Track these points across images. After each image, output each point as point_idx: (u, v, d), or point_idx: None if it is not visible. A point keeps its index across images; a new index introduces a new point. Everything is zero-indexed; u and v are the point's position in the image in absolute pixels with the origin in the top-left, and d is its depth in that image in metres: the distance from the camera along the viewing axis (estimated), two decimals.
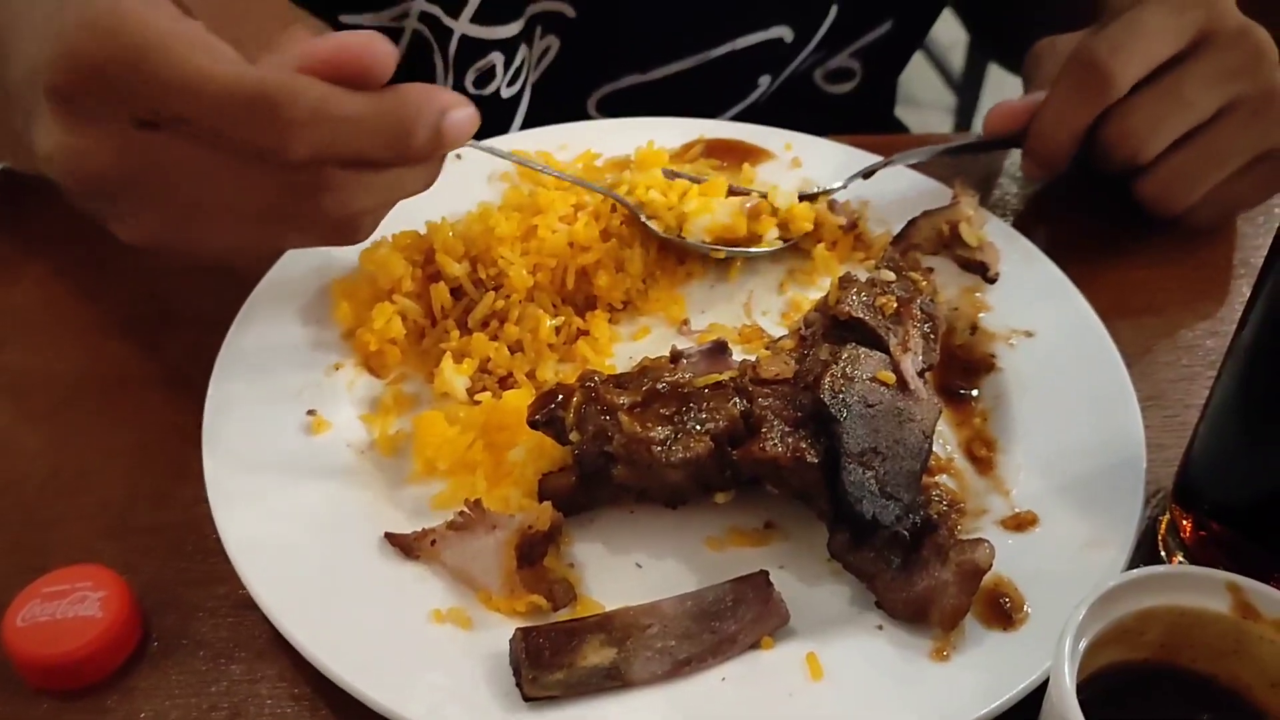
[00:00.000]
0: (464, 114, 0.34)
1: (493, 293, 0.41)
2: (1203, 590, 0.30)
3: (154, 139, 0.33)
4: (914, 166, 0.48)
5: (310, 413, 0.38)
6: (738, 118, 0.57)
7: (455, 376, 0.39)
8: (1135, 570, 0.31)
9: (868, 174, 0.47)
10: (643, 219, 0.44)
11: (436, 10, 0.55)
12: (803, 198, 0.46)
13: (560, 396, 0.35)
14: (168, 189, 0.34)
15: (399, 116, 0.33)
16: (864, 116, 0.65)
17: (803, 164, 0.49)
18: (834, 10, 0.58)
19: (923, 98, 1.41)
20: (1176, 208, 0.45)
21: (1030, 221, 0.48)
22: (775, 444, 0.32)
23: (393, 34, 0.56)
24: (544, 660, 0.29)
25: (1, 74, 0.41)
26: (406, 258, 0.41)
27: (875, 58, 0.62)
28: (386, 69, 0.32)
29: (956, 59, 1.40)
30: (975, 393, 0.39)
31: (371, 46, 0.32)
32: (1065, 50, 0.46)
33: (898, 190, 0.48)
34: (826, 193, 0.47)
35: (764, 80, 0.59)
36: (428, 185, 0.36)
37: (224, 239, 0.35)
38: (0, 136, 0.41)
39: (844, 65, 0.62)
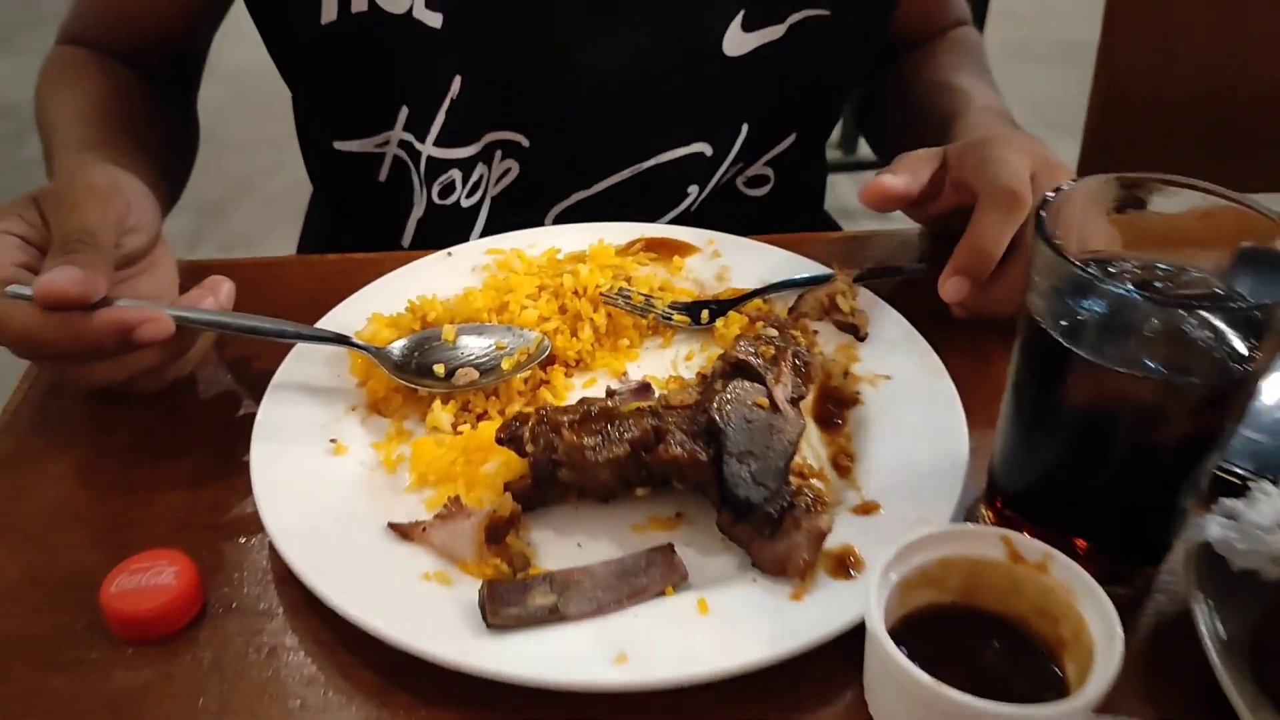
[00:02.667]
0: (151, 326, 0.46)
1: None
2: (985, 543, 0.41)
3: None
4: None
5: (332, 440, 0.49)
6: (675, 221, 0.70)
7: (443, 414, 0.51)
8: (931, 527, 0.42)
9: (803, 282, 0.59)
10: (621, 296, 0.57)
11: (410, 137, 0.68)
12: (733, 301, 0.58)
13: (519, 421, 0.46)
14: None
15: (91, 336, 0.46)
16: (789, 213, 0.77)
17: (721, 254, 0.62)
18: (745, 128, 0.71)
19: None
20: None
21: (893, 293, 0.60)
22: (677, 448, 0.44)
23: (379, 156, 0.70)
24: (503, 600, 0.40)
25: None
26: (404, 326, 0.54)
27: (785, 165, 0.74)
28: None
29: None
30: (841, 421, 0.51)
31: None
32: (924, 156, 0.58)
33: (795, 272, 0.60)
34: (755, 293, 0.59)
35: (693, 189, 0.72)
36: (160, 363, 0.49)
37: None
38: None
39: (760, 173, 0.74)
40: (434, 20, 0.64)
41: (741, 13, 0.66)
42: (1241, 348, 0.37)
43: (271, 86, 0.76)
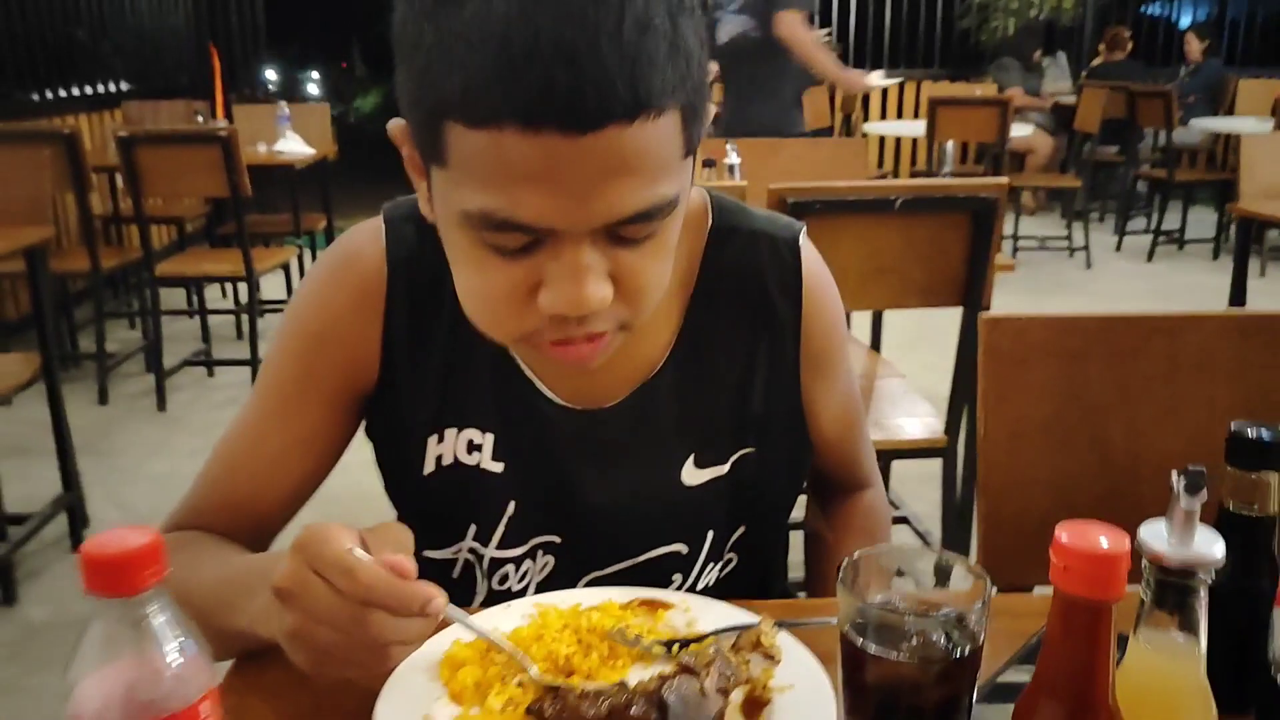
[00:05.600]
0: (438, 602, 0.68)
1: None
2: None
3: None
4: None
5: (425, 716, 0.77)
6: None
7: (495, 699, 0.78)
8: None
9: (742, 626, 0.87)
10: (619, 634, 0.85)
11: (477, 544, 0.99)
12: (695, 639, 0.87)
13: (540, 700, 0.74)
14: (314, 640, 0.70)
15: (411, 597, 0.68)
16: (753, 587, 1.05)
17: (690, 610, 0.91)
18: (710, 534, 1.01)
19: None
20: None
21: (801, 634, 0.87)
22: (640, 711, 0.71)
23: (454, 561, 0.99)
24: None
25: (230, 621, 0.80)
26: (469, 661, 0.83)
27: (742, 551, 1.04)
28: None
29: None
30: (759, 714, 0.77)
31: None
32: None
33: (739, 620, 0.89)
34: (709, 634, 0.87)
35: (677, 578, 1.00)
36: (422, 637, 0.72)
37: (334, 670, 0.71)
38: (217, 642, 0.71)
39: (727, 557, 1.04)
40: (497, 468, 0.98)
41: (692, 455, 0.99)
42: (963, 641, 0.65)
43: (364, 509, 1.09)
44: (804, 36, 3.86)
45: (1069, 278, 6.41)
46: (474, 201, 0.71)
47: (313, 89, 8.59)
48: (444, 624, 0.88)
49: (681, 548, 0.99)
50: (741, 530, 1.04)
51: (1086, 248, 6.68)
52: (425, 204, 0.82)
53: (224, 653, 0.84)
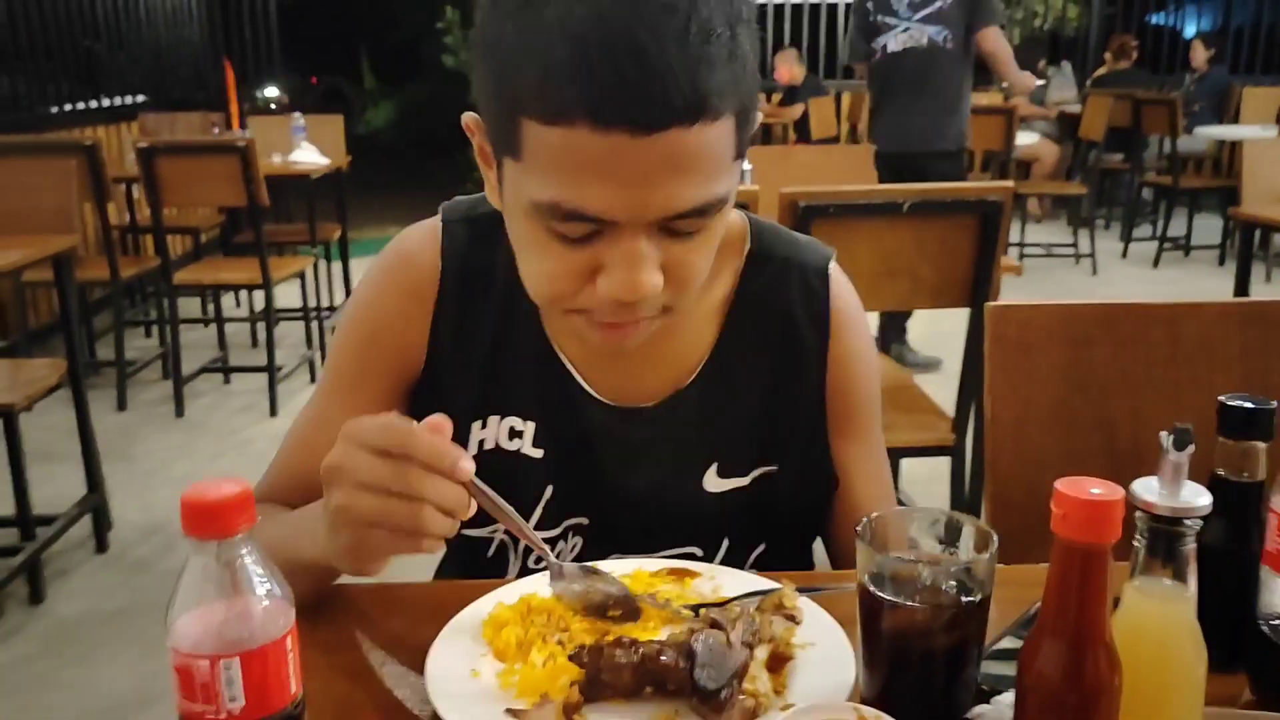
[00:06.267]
0: (466, 464, 0.72)
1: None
2: (842, 712, 0.71)
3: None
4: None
5: (474, 670, 0.83)
6: None
7: (537, 655, 0.84)
8: (809, 705, 0.71)
9: (765, 591, 0.93)
10: (651, 598, 0.91)
11: None
12: (719, 603, 0.93)
13: (581, 649, 0.80)
14: (357, 510, 0.72)
15: (444, 449, 0.72)
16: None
17: (715, 578, 0.97)
18: (726, 542, 1.04)
19: None
20: None
21: (819, 598, 0.93)
22: (670, 658, 0.77)
23: (489, 540, 1.04)
24: None
25: (299, 553, 0.83)
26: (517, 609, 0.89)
27: (761, 569, 1.08)
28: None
29: None
30: (782, 669, 0.83)
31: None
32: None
33: (761, 586, 0.94)
34: (734, 599, 0.93)
35: None
36: (457, 508, 0.74)
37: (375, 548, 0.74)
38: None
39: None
40: (537, 454, 1.04)
41: (715, 465, 1.04)
42: (971, 590, 0.71)
43: None
44: (1006, 49, 4.10)
45: (1075, 284, 6.47)
46: (544, 193, 0.77)
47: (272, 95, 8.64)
48: (484, 589, 0.94)
49: (696, 550, 1.04)
50: (762, 548, 1.09)
51: (1092, 254, 6.74)
52: (493, 193, 0.88)
53: (296, 592, 0.91)
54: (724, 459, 1.05)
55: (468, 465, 0.73)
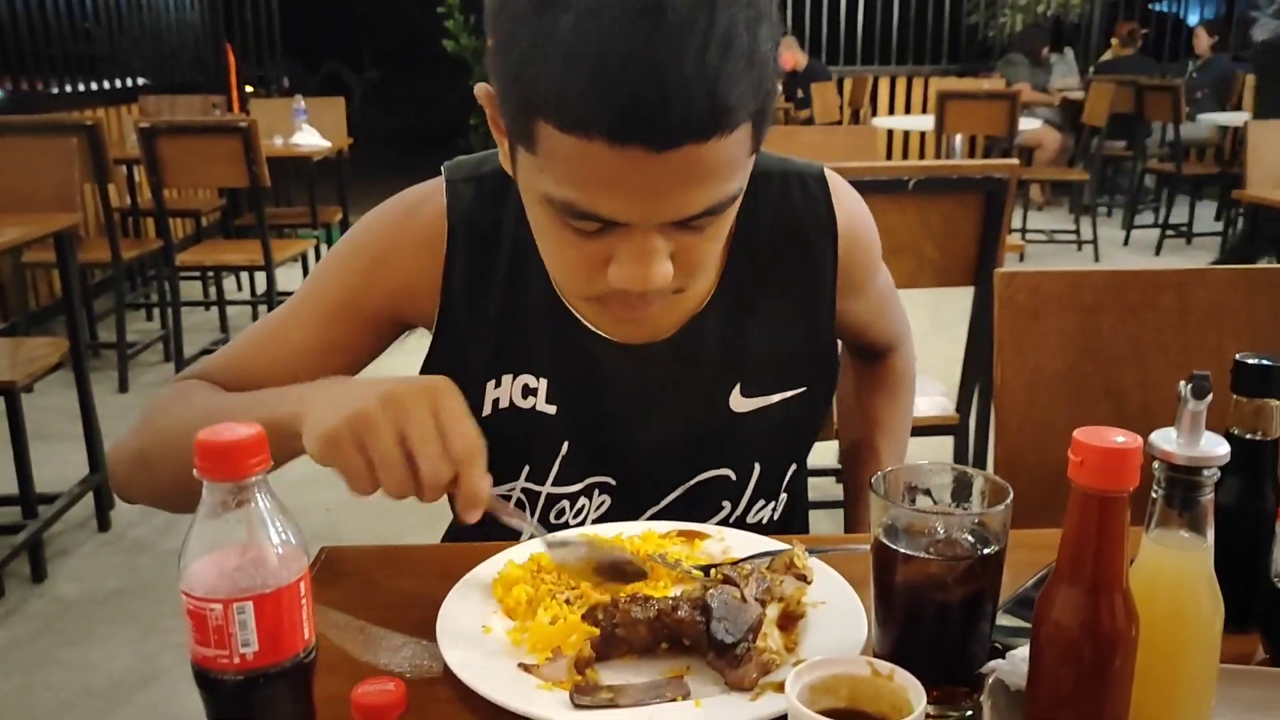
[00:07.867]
0: (473, 513, 0.79)
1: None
2: (858, 665, 0.71)
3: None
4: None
5: (485, 626, 0.82)
6: None
7: (544, 614, 0.84)
8: (823, 659, 0.71)
9: (774, 552, 0.93)
10: (661, 558, 0.91)
11: (530, 484, 1.05)
12: (729, 564, 0.92)
13: (595, 608, 0.79)
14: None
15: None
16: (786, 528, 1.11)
17: (724, 540, 0.96)
18: (758, 465, 1.07)
19: None
20: None
21: (828, 558, 0.93)
22: (686, 614, 0.76)
23: (506, 498, 1.05)
24: (582, 693, 0.72)
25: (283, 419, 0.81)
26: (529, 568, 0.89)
27: (796, 492, 1.10)
28: None
29: None
30: (794, 626, 0.82)
31: None
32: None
33: (770, 547, 0.94)
34: (743, 560, 0.93)
35: (726, 505, 1.06)
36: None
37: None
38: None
39: (781, 496, 1.09)
40: (550, 410, 1.04)
41: (738, 385, 1.04)
42: (986, 543, 0.70)
43: None
44: None
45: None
46: (558, 191, 0.77)
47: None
48: (498, 549, 0.94)
49: (729, 473, 1.04)
50: (794, 469, 1.10)
51: (1094, 241, 6.72)
52: (506, 160, 0.87)
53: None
54: (746, 379, 1.04)
55: (474, 516, 0.80)
